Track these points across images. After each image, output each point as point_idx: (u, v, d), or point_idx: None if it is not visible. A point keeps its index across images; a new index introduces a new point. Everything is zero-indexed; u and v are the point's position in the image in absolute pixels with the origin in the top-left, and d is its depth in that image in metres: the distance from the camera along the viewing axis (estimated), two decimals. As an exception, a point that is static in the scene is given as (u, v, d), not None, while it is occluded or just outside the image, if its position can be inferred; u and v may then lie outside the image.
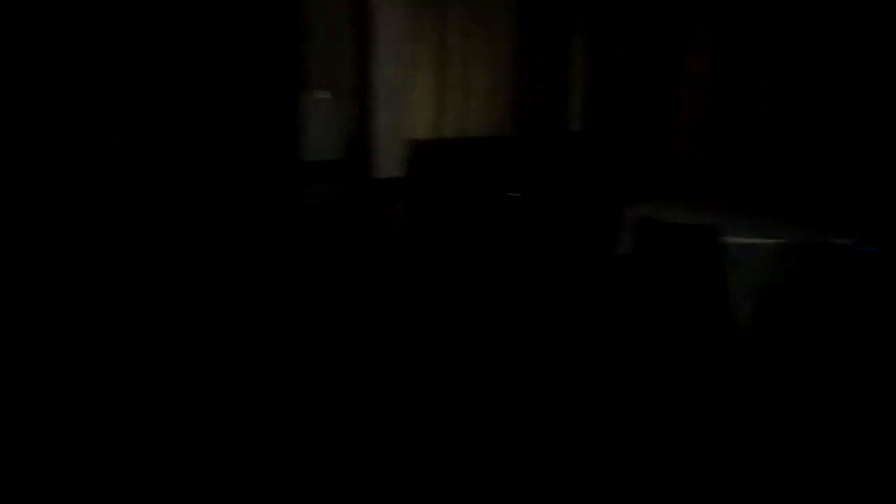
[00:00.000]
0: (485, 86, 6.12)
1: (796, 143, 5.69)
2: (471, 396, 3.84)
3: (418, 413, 3.67)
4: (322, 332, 4.48)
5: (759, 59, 5.93)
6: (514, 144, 5.87)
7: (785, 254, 3.90)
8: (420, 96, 5.95)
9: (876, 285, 3.64)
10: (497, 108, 6.13)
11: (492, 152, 5.74)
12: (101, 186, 5.03)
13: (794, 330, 3.82)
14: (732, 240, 3.93)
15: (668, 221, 4.07)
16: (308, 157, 6.05)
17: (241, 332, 4.37)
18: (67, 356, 3.83)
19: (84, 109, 4.45)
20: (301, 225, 5.63)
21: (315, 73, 6.08)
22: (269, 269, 5.12)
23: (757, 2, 5.95)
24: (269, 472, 3.13)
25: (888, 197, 4.71)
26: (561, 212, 5.05)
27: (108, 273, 4.28)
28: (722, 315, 3.79)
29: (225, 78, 5.72)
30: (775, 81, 5.87)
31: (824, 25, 5.71)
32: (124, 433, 3.33)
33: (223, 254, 5.14)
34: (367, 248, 5.18)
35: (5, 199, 3.96)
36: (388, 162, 5.76)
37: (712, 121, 6.02)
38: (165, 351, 4.07)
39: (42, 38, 4.19)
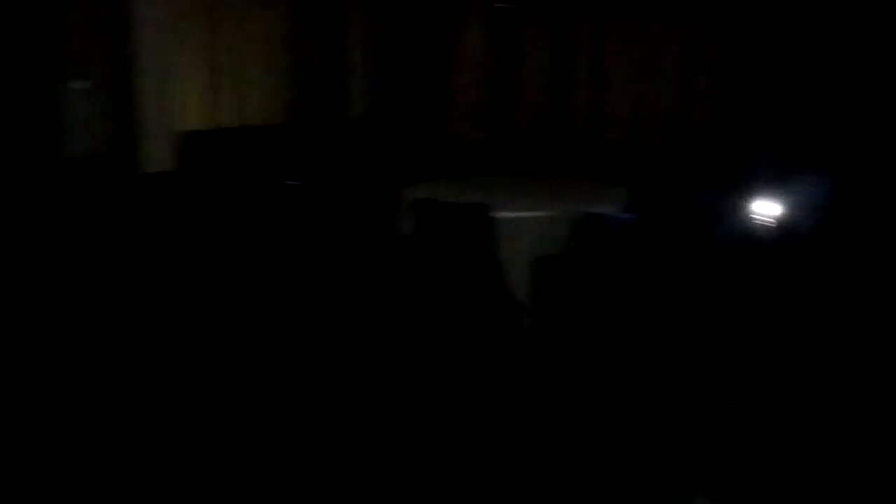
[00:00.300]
0: (260, 73, 5.91)
1: (562, 126, 6.07)
2: (256, 386, 3.68)
3: (194, 407, 3.46)
4: (88, 334, 4.10)
5: (525, 49, 6.24)
6: (293, 132, 5.72)
7: (555, 224, 4.11)
8: (191, 85, 5.62)
9: (629, 247, 3.95)
10: (274, 95, 5.94)
11: (269, 141, 5.55)
12: None
13: (568, 293, 4.03)
14: (507, 214, 4.07)
15: (444, 201, 4.13)
16: (68, 151, 5.53)
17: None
18: None
19: None
20: (62, 224, 5.13)
21: (73, 61, 5.57)
22: (24, 271, 4.62)
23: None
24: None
25: (639, 171, 5.13)
26: (341, 197, 4.99)
27: None
28: (498, 285, 3.92)
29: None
30: (541, 70, 6.21)
31: (580, 21, 6.11)
32: None
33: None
34: (138, 245, 4.81)
35: None
36: (158, 155, 5.39)
37: (487, 105, 6.25)
38: None
39: None
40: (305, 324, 4.42)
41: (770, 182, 4.29)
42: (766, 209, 4.12)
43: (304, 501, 2.87)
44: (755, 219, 4.14)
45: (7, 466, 2.95)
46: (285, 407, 3.55)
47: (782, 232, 4.08)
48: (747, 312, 3.90)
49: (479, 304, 4.03)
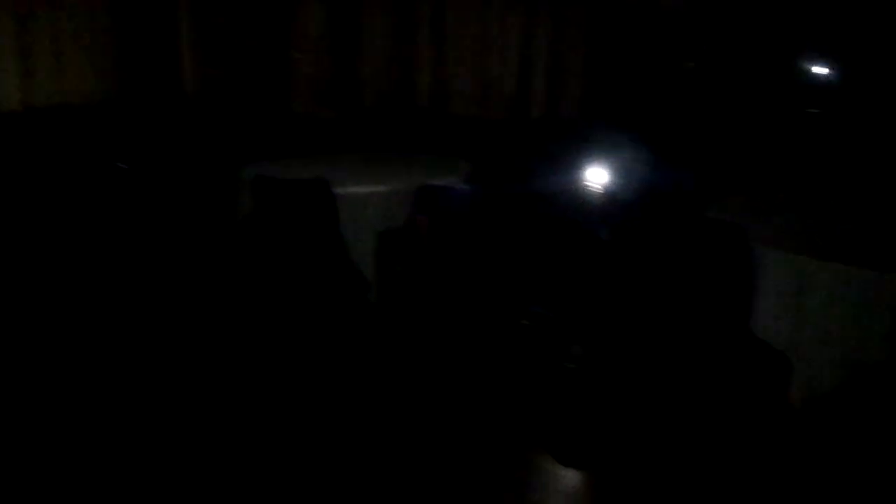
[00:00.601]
0: (81, 46, 5.44)
1: (405, 102, 6.08)
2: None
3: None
4: None
5: (367, 25, 6.17)
6: (120, 111, 5.35)
7: (397, 198, 4.12)
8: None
9: (474, 213, 4.06)
10: (97, 71, 5.50)
11: (93, 121, 5.16)
12: None
13: (410, 265, 4.06)
14: (349, 190, 4.03)
15: (284, 178, 4.03)
16: None
17: None
18: None
19: None
20: None
21: None
22: None
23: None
24: None
25: (481, 144, 5.25)
26: (176, 179, 4.75)
27: None
28: (341, 261, 3.88)
29: None
30: (383, 46, 6.17)
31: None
32: None
33: None
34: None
35: None
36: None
37: (331, 82, 6.13)
38: None
39: None
40: (141, 313, 4.19)
41: (604, 154, 4.50)
42: (599, 179, 4.32)
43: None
44: (590, 188, 4.34)
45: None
46: (125, 394, 3.37)
47: (614, 200, 4.29)
48: (583, 277, 4.09)
49: (323, 280, 3.97)
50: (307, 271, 3.95)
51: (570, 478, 2.88)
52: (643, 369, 3.60)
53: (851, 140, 5.01)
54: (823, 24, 5.10)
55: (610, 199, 4.10)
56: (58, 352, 3.79)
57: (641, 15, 5.65)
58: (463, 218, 4.03)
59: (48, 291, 4.30)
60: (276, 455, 2.94)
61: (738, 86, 5.31)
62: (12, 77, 5.04)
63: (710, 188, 4.03)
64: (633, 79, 5.56)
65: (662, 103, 5.37)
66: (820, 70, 5.32)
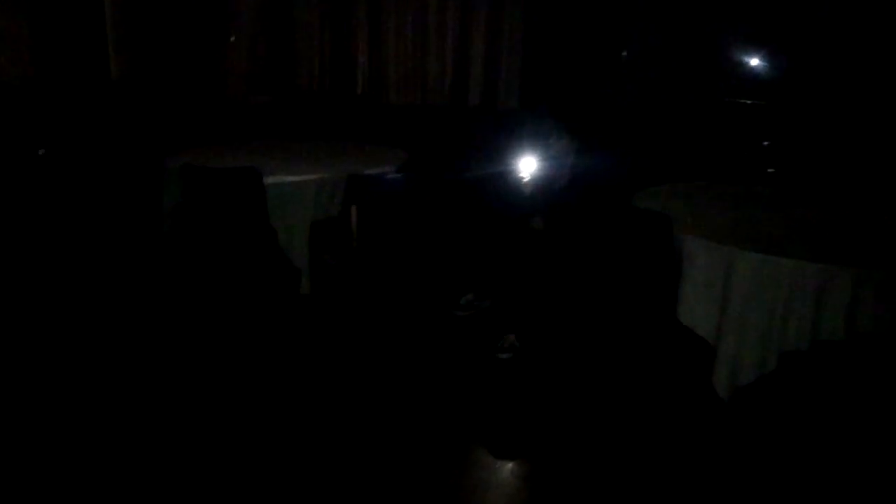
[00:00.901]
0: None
1: (342, 89, 6.01)
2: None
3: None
4: None
5: (303, 9, 6.07)
6: (40, 95, 5.14)
7: (328, 187, 4.04)
8: None
9: (407, 202, 4.02)
10: (14, 55, 5.26)
11: (11, 106, 4.94)
12: None
13: (343, 255, 4.00)
14: (278, 179, 3.94)
15: (211, 166, 3.92)
16: None
17: None
18: None
19: None
20: None
21: None
22: None
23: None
24: None
25: (416, 132, 5.21)
26: (98, 165, 4.58)
27: None
28: (271, 251, 3.80)
29: None
30: (320, 31, 6.08)
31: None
32: None
33: None
34: None
35: None
36: None
37: (265, 65, 6.01)
38: None
39: None
40: (61, 307, 4.04)
41: (537, 143, 4.50)
42: (533, 168, 4.32)
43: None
44: (523, 178, 4.34)
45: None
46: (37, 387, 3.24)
47: (547, 190, 4.30)
48: (515, 266, 4.09)
49: (251, 272, 3.88)
50: (235, 262, 3.86)
51: (504, 469, 2.87)
52: (574, 358, 3.63)
53: (781, 131, 5.12)
54: (758, 16, 5.19)
55: (542, 188, 4.10)
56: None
57: (577, 5, 5.67)
58: (395, 207, 3.99)
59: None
60: (198, 446, 2.87)
61: (671, 76, 5.38)
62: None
63: (639, 177, 4.07)
64: (569, 68, 5.59)
65: (596, 93, 5.42)
66: (754, 61, 5.43)
